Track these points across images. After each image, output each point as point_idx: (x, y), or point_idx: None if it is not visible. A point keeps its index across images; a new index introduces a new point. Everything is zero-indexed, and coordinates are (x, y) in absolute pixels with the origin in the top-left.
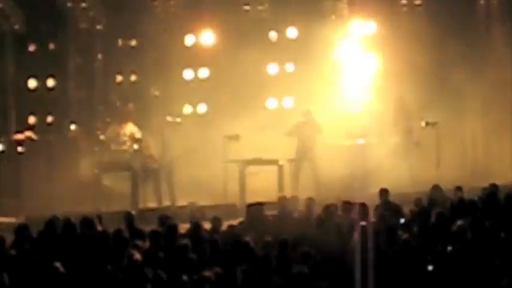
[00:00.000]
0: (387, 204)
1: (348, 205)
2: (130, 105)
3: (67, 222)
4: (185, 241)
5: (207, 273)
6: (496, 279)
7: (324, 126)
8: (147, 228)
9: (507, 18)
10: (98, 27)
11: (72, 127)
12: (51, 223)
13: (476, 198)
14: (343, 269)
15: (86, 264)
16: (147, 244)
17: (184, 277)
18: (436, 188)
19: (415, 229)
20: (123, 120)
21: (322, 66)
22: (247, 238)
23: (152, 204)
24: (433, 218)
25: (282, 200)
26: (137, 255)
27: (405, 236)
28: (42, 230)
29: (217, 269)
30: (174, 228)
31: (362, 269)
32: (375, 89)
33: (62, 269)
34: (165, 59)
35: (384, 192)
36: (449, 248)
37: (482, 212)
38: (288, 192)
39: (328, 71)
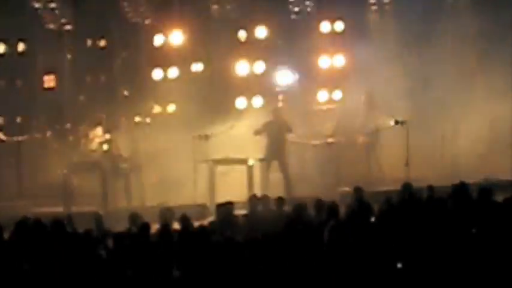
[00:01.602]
0: (359, 203)
1: (320, 203)
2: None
3: (37, 223)
4: (155, 240)
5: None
6: (466, 275)
7: (293, 125)
8: (117, 228)
9: (474, 17)
10: (67, 27)
11: (41, 128)
12: (21, 224)
13: (445, 197)
14: (313, 268)
15: (56, 265)
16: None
17: (154, 276)
18: (406, 186)
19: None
20: (92, 120)
21: (291, 65)
22: (218, 237)
23: (122, 204)
24: (403, 216)
25: (253, 199)
26: (106, 255)
27: (376, 234)
28: (13, 231)
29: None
30: (146, 226)
31: (332, 268)
32: (344, 87)
33: (31, 270)
34: (134, 59)
35: (358, 190)
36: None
37: (452, 210)
38: (258, 192)
39: (297, 70)
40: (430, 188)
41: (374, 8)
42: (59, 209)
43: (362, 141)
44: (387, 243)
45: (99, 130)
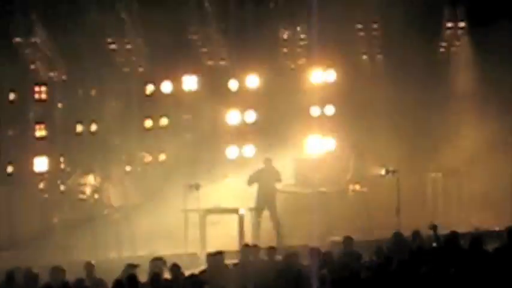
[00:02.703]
0: (349, 252)
1: (313, 252)
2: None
3: (28, 273)
4: None
5: None
6: None
7: (283, 174)
8: (108, 277)
9: (467, 67)
10: (62, 77)
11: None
12: (11, 274)
13: (435, 245)
14: None
15: None
16: None
17: None
18: (396, 235)
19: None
20: (84, 171)
21: (282, 114)
22: (210, 286)
23: (113, 254)
24: (394, 265)
25: (244, 248)
26: None
27: (370, 284)
28: (3, 281)
29: None
30: (133, 277)
31: None
32: (335, 136)
33: None
34: (125, 108)
35: (347, 239)
36: None
37: (443, 259)
38: (248, 241)
39: (288, 120)
40: (416, 234)
41: (365, 57)
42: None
43: (353, 190)
44: None
45: (91, 178)
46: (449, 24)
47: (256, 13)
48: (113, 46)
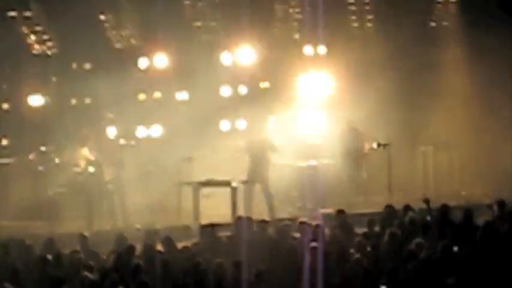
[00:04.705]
0: (342, 225)
1: (303, 225)
2: (85, 130)
3: (22, 245)
4: (139, 262)
5: None
6: None
7: (277, 145)
8: (102, 249)
9: (457, 41)
10: (53, 51)
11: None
12: (5, 245)
13: (428, 218)
14: None
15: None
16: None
17: None
18: (388, 208)
19: (368, 249)
20: (78, 143)
21: (275, 88)
22: (201, 259)
23: (107, 226)
24: (385, 239)
25: (237, 221)
26: (91, 277)
27: (357, 255)
28: None
29: None
30: (131, 249)
31: None
32: (328, 110)
33: None
34: (119, 82)
35: (340, 213)
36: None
37: (434, 232)
38: (241, 213)
39: (282, 94)
40: (407, 208)
41: (356, 30)
42: (45, 230)
43: (346, 164)
44: (369, 264)
45: (85, 151)
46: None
47: None
48: (104, 19)
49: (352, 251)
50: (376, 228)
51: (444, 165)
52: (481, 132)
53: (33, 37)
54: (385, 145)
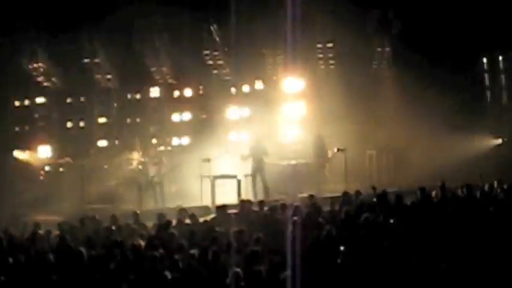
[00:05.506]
0: (313, 206)
1: (284, 206)
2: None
3: (94, 219)
4: (174, 231)
5: (191, 251)
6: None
7: (269, 150)
8: (148, 223)
9: (393, 77)
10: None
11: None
12: (81, 220)
13: (374, 200)
14: (281, 251)
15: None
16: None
17: (176, 256)
18: (345, 193)
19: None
20: (130, 149)
21: (268, 111)
22: (218, 228)
23: (151, 206)
24: (342, 215)
25: (241, 202)
26: (141, 242)
27: (327, 227)
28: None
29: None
30: (168, 222)
31: (293, 251)
32: (303, 126)
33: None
34: (160, 107)
35: (311, 197)
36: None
37: (377, 209)
38: (244, 197)
39: (272, 115)
40: (358, 193)
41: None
42: (109, 209)
43: (316, 163)
44: (333, 233)
45: (135, 154)
46: (378, 49)
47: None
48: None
49: (320, 220)
50: (336, 207)
51: (384, 164)
52: (412, 140)
53: (99, 76)
54: (342, 150)
